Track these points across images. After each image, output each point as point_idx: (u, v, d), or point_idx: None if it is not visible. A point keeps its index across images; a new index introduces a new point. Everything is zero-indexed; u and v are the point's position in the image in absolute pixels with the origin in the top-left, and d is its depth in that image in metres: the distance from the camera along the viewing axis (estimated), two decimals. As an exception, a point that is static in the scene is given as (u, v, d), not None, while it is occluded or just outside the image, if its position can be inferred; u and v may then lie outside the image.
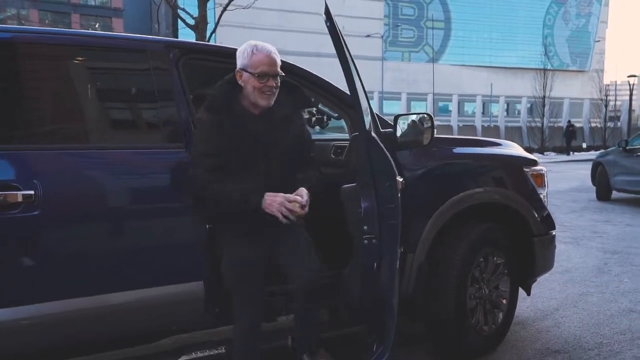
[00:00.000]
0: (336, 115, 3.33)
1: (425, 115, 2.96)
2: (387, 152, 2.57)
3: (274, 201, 2.35)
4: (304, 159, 2.62)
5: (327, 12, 2.46)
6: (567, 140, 31.23)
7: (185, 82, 2.57)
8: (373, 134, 2.59)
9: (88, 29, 42.80)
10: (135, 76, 2.64)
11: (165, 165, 2.45)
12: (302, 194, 2.43)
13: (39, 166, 2.20)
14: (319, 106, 3.44)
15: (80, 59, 2.51)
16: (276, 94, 2.47)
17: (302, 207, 2.39)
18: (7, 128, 2.23)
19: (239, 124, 2.42)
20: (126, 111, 2.69)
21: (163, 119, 2.54)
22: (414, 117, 3.01)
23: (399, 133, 2.89)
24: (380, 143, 2.57)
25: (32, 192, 2.12)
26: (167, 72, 2.53)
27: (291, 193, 2.42)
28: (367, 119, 2.64)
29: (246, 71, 2.42)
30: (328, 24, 2.47)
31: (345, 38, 2.54)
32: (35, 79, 2.41)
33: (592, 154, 21.76)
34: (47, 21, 45.28)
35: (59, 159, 2.25)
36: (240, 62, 2.44)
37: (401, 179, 2.65)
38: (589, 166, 13.17)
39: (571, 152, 30.48)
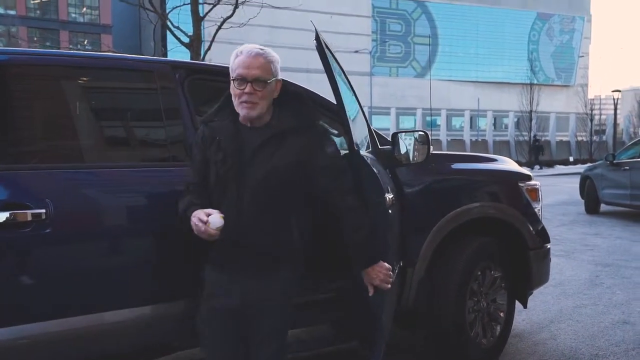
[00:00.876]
0: (336, 132, 3.39)
1: (422, 133, 3.03)
2: (374, 170, 2.44)
3: (191, 219, 1.99)
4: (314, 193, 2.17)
5: (317, 37, 2.29)
6: (534, 154, 31.07)
7: (191, 102, 2.62)
8: (361, 152, 2.48)
9: (77, 46, 42.79)
10: (143, 96, 2.69)
11: (173, 182, 2.49)
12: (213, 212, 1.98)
13: (50, 185, 2.23)
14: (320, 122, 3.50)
15: (91, 80, 2.56)
16: (263, 104, 2.05)
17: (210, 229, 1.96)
18: (19, 147, 2.26)
19: (221, 139, 2.08)
20: (135, 130, 2.73)
21: (171, 137, 2.58)
22: (410, 134, 3.07)
23: (403, 150, 2.93)
24: (367, 161, 2.45)
25: (43, 210, 2.15)
26: (173, 91, 2.58)
27: (270, 237, 2.07)
28: (360, 137, 2.67)
29: (231, 78, 2.08)
30: (316, 44, 2.31)
31: (335, 56, 2.52)
32: (42, 99, 2.45)
33: (579, 168, 22.01)
34: (35, 38, 45.23)
35: (70, 178, 2.29)
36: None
37: (391, 196, 2.58)
38: (576, 179, 13.35)
39: (539, 167, 30.15)
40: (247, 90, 2.01)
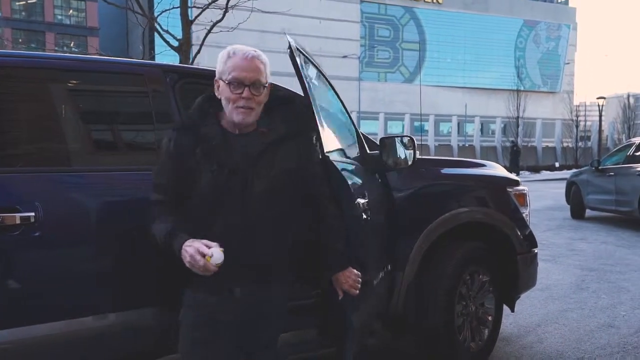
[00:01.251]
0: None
1: (408, 138, 3.04)
2: (343, 176, 2.35)
3: (186, 251, 1.78)
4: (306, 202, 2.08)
5: (290, 49, 2.23)
6: (513, 160, 30.86)
7: (181, 105, 2.62)
8: (331, 159, 2.35)
9: (63, 48, 42.50)
10: (134, 99, 2.68)
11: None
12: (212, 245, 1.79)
13: (40, 189, 2.22)
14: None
15: (81, 83, 2.55)
16: (258, 110, 1.95)
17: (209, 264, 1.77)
18: (7, 150, 2.25)
19: (211, 146, 1.91)
20: (125, 134, 2.72)
21: (161, 141, 2.57)
22: (397, 139, 3.08)
23: (390, 155, 2.95)
24: (337, 167, 2.34)
25: (32, 214, 2.13)
26: (164, 95, 2.58)
27: (271, 252, 1.97)
28: (346, 143, 2.67)
29: (221, 80, 1.92)
30: (289, 53, 2.23)
31: (319, 61, 2.48)
32: (33, 101, 2.43)
33: (565, 173, 22.22)
34: (20, 40, 44.88)
35: (59, 181, 2.28)
36: (217, 70, 1.95)
37: (363, 201, 2.48)
38: (562, 185, 13.48)
39: (516, 174, 30.22)
40: (245, 94, 1.89)
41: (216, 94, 1.96)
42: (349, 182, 2.38)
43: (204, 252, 1.75)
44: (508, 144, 33.32)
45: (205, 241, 1.78)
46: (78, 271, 2.25)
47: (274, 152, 1.96)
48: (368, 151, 3.00)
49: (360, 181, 2.66)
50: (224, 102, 1.93)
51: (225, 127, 1.95)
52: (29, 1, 48.14)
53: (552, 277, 6.03)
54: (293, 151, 2.02)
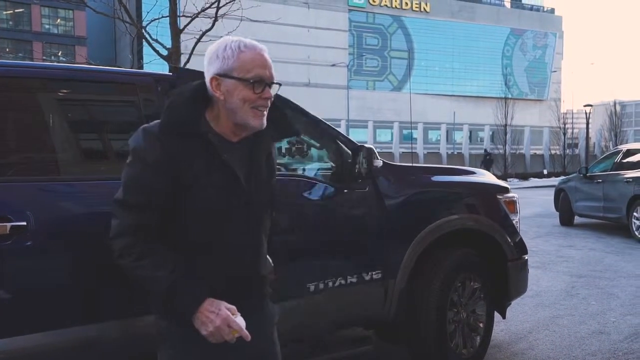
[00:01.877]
0: (318, 145, 3.41)
1: (368, 147, 3.00)
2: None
3: (209, 319, 1.53)
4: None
5: None
6: (485, 169, 30.97)
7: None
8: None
9: (51, 57, 42.32)
10: (124, 108, 2.68)
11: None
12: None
13: (31, 198, 2.21)
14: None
15: (73, 92, 2.54)
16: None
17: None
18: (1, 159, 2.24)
19: (216, 156, 1.62)
20: (117, 143, 2.71)
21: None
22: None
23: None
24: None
25: (23, 223, 2.12)
26: (155, 104, 2.57)
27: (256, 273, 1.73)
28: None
29: (230, 77, 1.61)
30: None
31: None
32: (24, 111, 2.43)
33: (553, 180, 22.39)
34: (7, 49, 44.63)
35: (51, 191, 2.26)
36: (217, 65, 1.63)
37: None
38: (550, 192, 13.58)
39: None
40: (266, 94, 1.63)
41: (215, 94, 1.63)
42: None
43: (233, 325, 1.51)
44: (496, 152, 33.51)
45: (227, 304, 1.55)
46: (70, 280, 2.24)
47: (260, 159, 1.75)
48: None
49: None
50: (234, 104, 1.61)
51: (219, 133, 1.66)
52: (16, 10, 47.95)
53: (542, 284, 6.07)
54: (272, 158, 1.83)
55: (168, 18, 10.31)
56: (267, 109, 1.66)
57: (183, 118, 1.61)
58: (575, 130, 43.98)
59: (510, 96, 39.25)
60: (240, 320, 1.52)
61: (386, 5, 61.44)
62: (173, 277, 1.55)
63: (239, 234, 1.66)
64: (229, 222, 1.64)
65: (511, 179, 30.82)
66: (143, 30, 10.56)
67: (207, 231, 1.63)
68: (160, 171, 1.57)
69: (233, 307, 1.55)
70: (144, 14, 11.93)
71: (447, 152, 38.26)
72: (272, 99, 1.67)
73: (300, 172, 3.33)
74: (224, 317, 1.52)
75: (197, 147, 1.61)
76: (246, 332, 1.52)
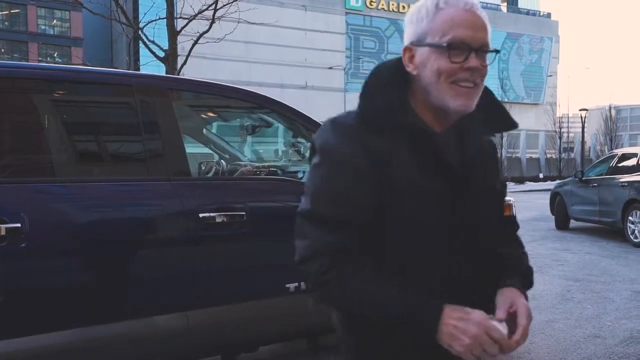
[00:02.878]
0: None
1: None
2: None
3: (463, 330, 1.11)
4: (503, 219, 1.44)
5: None
6: None
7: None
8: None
9: (47, 58, 42.22)
10: (121, 109, 2.67)
11: (148, 195, 2.47)
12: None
13: (26, 199, 2.20)
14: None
15: (71, 93, 2.53)
16: (480, 91, 1.26)
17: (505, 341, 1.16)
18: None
19: (423, 154, 1.22)
20: (113, 144, 2.71)
21: (149, 152, 2.56)
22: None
23: None
24: None
25: (18, 225, 2.11)
26: (151, 105, 2.57)
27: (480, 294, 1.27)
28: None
29: (423, 44, 1.22)
30: None
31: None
32: (19, 112, 2.41)
33: (549, 184, 22.44)
34: (2, 50, 44.51)
35: (47, 192, 2.25)
36: (410, 31, 1.26)
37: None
38: (546, 196, 13.60)
39: None
40: (470, 63, 1.19)
41: (410, 69, 1.26)
42: None
43: (492, 333, 1.12)
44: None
45: (482, 313, 1.14)
46: (65, 281, 2.23)
47: (486, 154, 1.36)
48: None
49: None
50: (428, 79, 1.22)
51: (424, 121, 1.25)
52: (12, 11, 47.84)
53: (538, 288, 6.07)
54: (496, 157, 1.44)
55: (165, 20, 10.30)
56: (476, 84, 1.23)
57: (381, 106, 1.24)
58: (571, 135, 44.03)
59: (506, 100, 39.45)
60: (499, 326, 1.14)
61: (383, 9, 61.55)
62: (415, 301, 1.14)
63: (464, 249, 1.26)
64: (445, 236, 1.23)
65: (507, 183, 30.87)
66: (140, 32, 10.55)
67: (427, 248, 1.23)
68: (362, 177, 1.18)
69: (475, 310, 1.15)
70: (140, 16, 11.90)
71: (443, 156, 38.28)
72: (485, 69, 1.23)
73: (299, 175, 3.33)
74: (478, 320, 1.12)
75: (403, 143, 1.21)
76: (509, 341, 1.16)
